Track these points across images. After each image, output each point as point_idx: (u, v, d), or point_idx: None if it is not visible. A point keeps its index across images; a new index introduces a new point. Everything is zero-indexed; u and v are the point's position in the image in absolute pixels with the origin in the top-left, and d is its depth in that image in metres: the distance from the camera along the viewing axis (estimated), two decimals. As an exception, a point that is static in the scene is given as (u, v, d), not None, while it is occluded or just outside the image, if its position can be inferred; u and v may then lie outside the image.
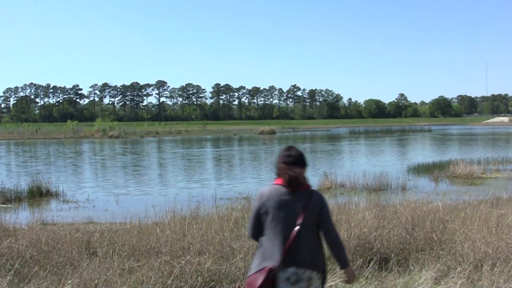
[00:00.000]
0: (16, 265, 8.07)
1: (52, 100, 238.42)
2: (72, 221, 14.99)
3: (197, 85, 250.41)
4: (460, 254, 8.37)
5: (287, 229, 4.91)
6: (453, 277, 7.53)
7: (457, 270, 7.78)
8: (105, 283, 7.26)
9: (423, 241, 9.20)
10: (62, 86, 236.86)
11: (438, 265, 8.04)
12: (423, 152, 48.94)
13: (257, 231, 5.14)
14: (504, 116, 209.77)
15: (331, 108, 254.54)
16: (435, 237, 9.22)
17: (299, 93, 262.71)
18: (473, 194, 17.78)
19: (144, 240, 9.40)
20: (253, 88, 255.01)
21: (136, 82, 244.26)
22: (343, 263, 5.12)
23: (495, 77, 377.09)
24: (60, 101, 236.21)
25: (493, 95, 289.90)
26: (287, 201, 4.97)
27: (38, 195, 21.20)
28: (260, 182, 25.60)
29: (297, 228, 4.88)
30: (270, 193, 5.05)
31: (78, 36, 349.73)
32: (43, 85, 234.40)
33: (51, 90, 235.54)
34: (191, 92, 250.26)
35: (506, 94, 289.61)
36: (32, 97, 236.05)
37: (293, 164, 5.02)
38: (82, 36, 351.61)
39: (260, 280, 4.79)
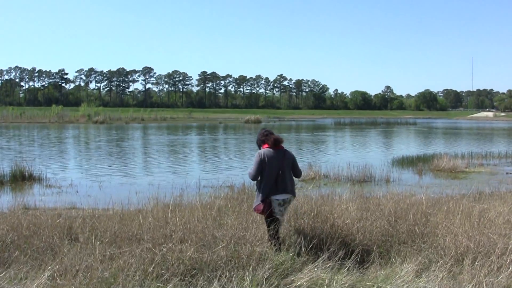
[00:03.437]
0: (-4, 249, 8.02)
1: (37, 84, 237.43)
2: (54, 206, 14.94)
3: (184, 73, 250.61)
4: (441, 248, 8.39)
5: (275, 173, 8.46)
6: (434, 270, 7.54)
7: (439, 263, 7.78)
8: (86, 269, 7.21)
9: (405, 233, 9.21)
10: (48, 70, 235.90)
11: (420, 258, 8.04)
12: (407, 145, 49.11)
13: (259, 175, 8.50)
14: (489, 111, 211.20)
15: (317, 99, 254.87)
16: (417, 230, 9.24)
17: (285, 82, 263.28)
18: (456, 188, 17.86)
19: (126, 227, 9.36)
20: (239, 76, 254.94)
21: (123, 68, 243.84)
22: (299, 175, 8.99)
23: (481, 72, 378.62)
24: (45, 85, 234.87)
25: (478, 90, 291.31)
26: (273, 156, 8.50)
27: (21, 179, 21.07)
28: (244, 170, 25.57)
29: (280, 172, 8.48)
30: (265, 152, 8.52)
31: (65, 20, 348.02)
32: (28, 69, 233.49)
33: (36, 74, 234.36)
34: (177, 79, 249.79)
35: (492, 89, 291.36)
36: (17, 80, 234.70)
37: (271, 133, 8.78)
38: (69, 20, 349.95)
39: (262, 205, 8.43)
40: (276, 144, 8.59)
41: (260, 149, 8.77)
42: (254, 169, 8.48)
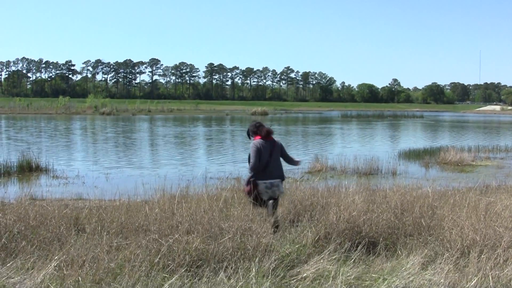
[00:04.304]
0: (3, 239, 8.03)
1: (44, 75, 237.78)
2: (61, 197, 15.02)
3: (191, 64, 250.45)
4: (448, 240, 8.39)
5: (266, 160, 9.57)
6: (440, 263, 7.53)
7: (445, 256, 7.78)
8: (93, 260, 7.23)
9: (411, 226, 9.22)
10: (55, 62, 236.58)
11: (426, 250, 8.05)
12: (414, 137, 49.06)
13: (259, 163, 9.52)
14: (496, 104, 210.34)
15: (324, 91, 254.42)
16: (423, 223, 9.24)
17: (292, 75, 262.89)
18: (463, 181, 17.85)
19: (133, 218, 9.37)
20: (246, 68, 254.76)
21: (130, 60, 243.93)
22: (295, 163, 10.34)
23: (488, 66, 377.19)
24: (52, 76, 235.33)
25: (486, 83, 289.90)
26: (265, 146, 9.65)
27: (28, 170, 21.11)
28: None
29: (270, 159, 9.60)
30: (259, 142, 9.64)
31: (72, 11, 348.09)
32: (36, 60, 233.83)
33: (44, 65, 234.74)
34: (184, 71, 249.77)
35: (499, 83, 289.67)
36: (24, 71, 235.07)
37: (262, 126, 9.97)
38: (76, 12, 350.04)
39: (249, 187, 9.63)
40: (268, 135, 9.79)
41: (250, 138, 10.09)
42: (254, 159, 9.58)
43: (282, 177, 9.90)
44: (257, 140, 9.73)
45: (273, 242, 8.09)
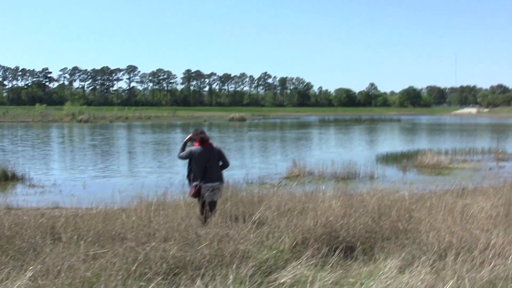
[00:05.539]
0: (-23, 250, 7.95)
1: (20, 83, 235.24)
2: (37, 206, 14.84)
3: (168, 71, 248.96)
4: (424, 244, 8.43)
5: (203, 165, 10.52)
6: (417, 266, 7.56)
7: (422, 259, 7.81)
8: (69, 269, 7.16)
9: (388, 230, 9.25)
10: (31, 69, 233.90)
11: (403, 254, 8.07)
12: (392, 141, 49.30)
13: (187, 162, 10.87)
14: (472, 107, 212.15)
15: (302, 96, 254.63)
16: (400, 226, 9.28)
17: (270, 80, 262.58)
18: (440, 184, 17.94)
19: (110, 226, 9.33)
20: (224, 74, 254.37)
21: (107, 67, 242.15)
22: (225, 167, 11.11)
23: (464, 69, 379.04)
24: (29, 84, 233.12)
25: (462, 86, 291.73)
26: (201, 152, 10.60)
27: (4, 179, 20.89)
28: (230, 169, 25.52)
29: (207, 164, 10.53)
30: (195, 149, 10.64)
31: (48, 18, 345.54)
32: (12, 68, 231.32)
33: (20, 73, 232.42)
34: (161, 77, 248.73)
35: (475, 86, 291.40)
36: (0, 79, 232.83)
37: (201, 133, 10.78)
38: (52, 19, 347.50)
39: (193, 190, 10.54)
40: (202, 142, 10.75)
41: (193, 143, 10.97)
42: (184, 154, 10.91)
43: (221, 180, 10.84)
44: (195, 147, 10.79)
45: (251, 248, 8.07)
